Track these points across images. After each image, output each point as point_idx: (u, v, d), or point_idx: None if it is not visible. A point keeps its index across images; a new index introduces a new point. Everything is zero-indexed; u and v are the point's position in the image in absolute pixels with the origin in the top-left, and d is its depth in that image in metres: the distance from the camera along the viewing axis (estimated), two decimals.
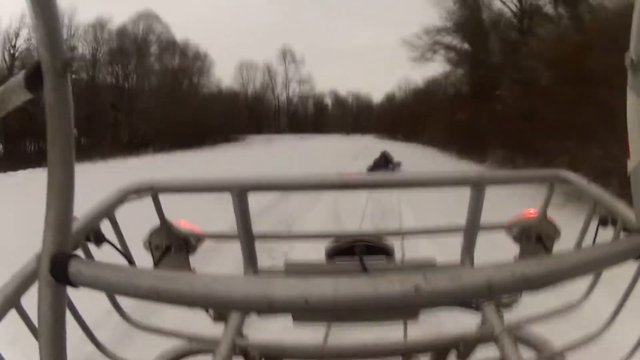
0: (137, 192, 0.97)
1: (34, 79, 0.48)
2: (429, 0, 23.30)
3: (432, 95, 29.79)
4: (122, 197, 0.94)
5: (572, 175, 0.98)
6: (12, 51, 27.49)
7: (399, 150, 20.33)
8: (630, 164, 0.61)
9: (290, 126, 48.69)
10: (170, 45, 36.49)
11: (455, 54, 24.82)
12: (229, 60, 63.07)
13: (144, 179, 0.99)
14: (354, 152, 23.81)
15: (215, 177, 1.03)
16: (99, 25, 31.61)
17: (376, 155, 15.93)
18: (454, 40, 24.77)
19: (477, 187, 0.98)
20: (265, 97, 48.64)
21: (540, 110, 10.25)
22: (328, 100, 53.83)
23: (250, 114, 44.55)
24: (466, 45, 24.40)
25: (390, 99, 47.07)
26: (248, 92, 46.90)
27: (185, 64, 38.01)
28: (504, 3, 21.11)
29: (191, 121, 32.53)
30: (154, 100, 32.56)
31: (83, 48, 30.87)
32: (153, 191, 0.99)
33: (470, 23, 23.72)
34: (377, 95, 68.20)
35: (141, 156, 24.96)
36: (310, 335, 1.07)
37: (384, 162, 15.02)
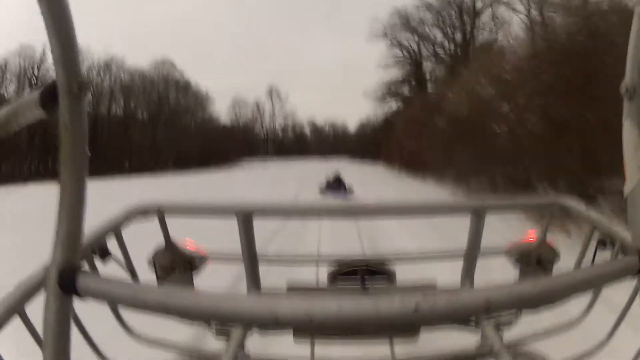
0: (144, 212, 1.00)
1: (49, 98, 0.48)
2: (380, 65, 33.12)
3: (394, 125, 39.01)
4: (129, 216, 0.97)
5: (571, 201, 0.99)
6: (34, 81, 34.09)
7: (360, 168, 29.39)
8: (626, 188, 0.63)
9: (276, 151, 57.53)
10: (183, 87, 45.13)
11: (403, 99, 34.56)
12: (206, 77, 71.43)
13: (152, 200, 1.01)
14: (328, 170, 32.73)
15: (221, 201, 1.04)
16: (114, 64, 39.71)
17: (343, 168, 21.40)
18: (404, 88, 34.65)
19: (477, 213, 1.01)
20: (255, 127, 57.82)
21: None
22: (307, 129, 62.99)
23: (242, 141, 53.15)
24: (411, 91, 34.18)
25: (363, 126, 55.69)
26: (240, 123, 55.80)
27: (193, 102, 46.67)
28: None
29: (198, 148, 41.17)
30: (170, 132, 40.91)
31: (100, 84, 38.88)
32: (159, 212, 1.00)
33: (413, 75, 33.46)
34: (352, 121, 77.19)
35: (158, 176, 31.35)
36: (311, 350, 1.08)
37: (337, 184, 15.48)
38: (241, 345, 0.89)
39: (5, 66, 33.43)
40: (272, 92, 57.43)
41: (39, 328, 0.56)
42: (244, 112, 56.13)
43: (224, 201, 1.03)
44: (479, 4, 25.46)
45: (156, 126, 41.77)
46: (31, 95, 0.50)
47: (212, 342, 0.97)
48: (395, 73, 34.51)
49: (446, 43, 29.68)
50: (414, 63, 33.29)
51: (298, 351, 1.02)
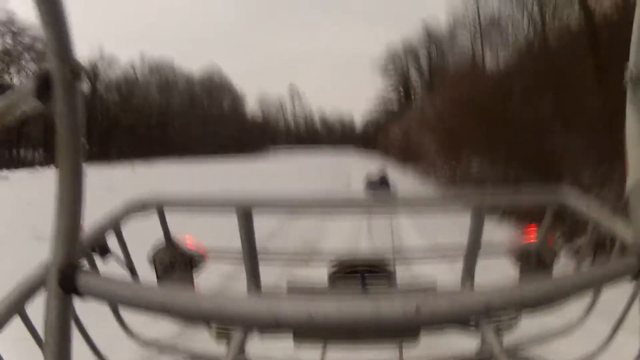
0: (143, 207, 0.98)
1: (44, 88, 0.47)
2: (377, 71, 45.75)
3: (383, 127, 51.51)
4: (129, 212, 0.96)
5: (572, 195, 0.98)
6: None
7: (363, 154, 41.94)
8: (629, 183, 0.61)
9: (295, 140, 69.73)
10: (227, 91, 57.47)
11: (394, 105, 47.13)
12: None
13: (151, 194, 1.00)
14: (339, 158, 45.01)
15: (220, 194, 1.03)
16: (165, 67, 51.78)
17: (350, 155, 33.98)
18: (394, 95, 47.26)
19: (477, 211, 0.99)
20: (278, 120, 70.30)
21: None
22: (317, 120, 75.08)
23: (269, 132, 65.51)
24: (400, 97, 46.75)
25: (367, 118, 67.08)
26: (265, 117, 68.30)
27: (230, 100, 58.96)
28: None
29: (236, 138, 53.40)
30: (218, 126, 53.13)
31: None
32: (158, 206, 1.00)
33: (402, 85, 45.78)
34: (357, 112, 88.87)
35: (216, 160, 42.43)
36: (312, 354, 1.08)
37: (380, 181, 14.18)
38: (242, 348, 0.89)
39: None
40: (292, 92, 69.59)
41: (38, 328, 0.55)
42: (268, 105, 68.50)
43: (224, 195, 1.02)
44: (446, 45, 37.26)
45: (208, 120, 53.93)
46: (26, 85, 0.49)
47: (212, 344, 0.95)
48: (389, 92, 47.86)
49: (421, 73, 42.34)
50: (404, 82, 46.05)
51: (299, 355, 1.00)
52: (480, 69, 19.79)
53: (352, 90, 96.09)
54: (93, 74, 45.35)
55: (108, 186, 14.08)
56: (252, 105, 68.15)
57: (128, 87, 49.82)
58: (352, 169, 25.19)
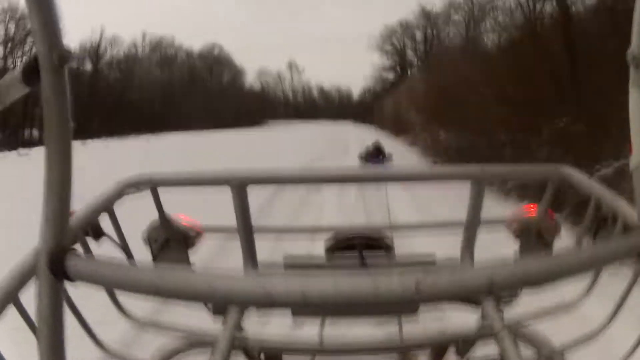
0: (135, 185, 0.98)
1: (31, 73, 0.47)
2: (372, 48, 47.11)
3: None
4: (121, 191, 0.95)
5: (572, 172, 0.98)
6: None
7: (360, 128, 43.68)
8: (633, 161, 0.61)
9: (293, 114, 70.98)
10: (227, 65, 58.61)
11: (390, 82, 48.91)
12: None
13: (143, 173, 1.00)
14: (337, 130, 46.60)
15: (214, 171, 1.02)
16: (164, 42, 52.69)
17: (347, 127, 35.46)
18: (391, 74, 49.15)
19: (477, 182, 0.99)
20: (276, 93, 71.44)
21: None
22: (316, 93, 76.10)
23: (266, 105, 66.79)
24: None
25: (364, 92, 68.35)
26: (264, 91, 69.44)
27: (230, 74, 60.15)
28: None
29: (235, 111, 54.85)
30: (218, 100, 54.51)
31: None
32: (152, 185, 1.00)
33: (399, 62, 47.27)
34: (356, 88, 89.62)
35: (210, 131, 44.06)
36: (311, 330, 1.08)
37: (376, 153, 15.05)
38: (238, 325, 0.89)
39: None
40: (291, 65, 70.37)
41: (33, 316, 0.55)
42: (267, 79, 69.54)
43: (218, 170, 1.01)
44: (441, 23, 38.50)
45: (208, 94, 55.31)
46: (14, 71, 0.50)
47: (210, 324, 0.97)
48: (386, 63, 49.64)
49: (419, 48, 43.62)
50: (400, 57, 47.51)
51: (298, 331, 1.03)
52: (468, 52, 20.97)
53: (350, 66, 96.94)
54: (96, 54, 46.51)
55: (142, 154, 15.96)
56: (251, 80, 69.12)
57: (129, 65, 50.93)
58: (350, 139, 26.51)
